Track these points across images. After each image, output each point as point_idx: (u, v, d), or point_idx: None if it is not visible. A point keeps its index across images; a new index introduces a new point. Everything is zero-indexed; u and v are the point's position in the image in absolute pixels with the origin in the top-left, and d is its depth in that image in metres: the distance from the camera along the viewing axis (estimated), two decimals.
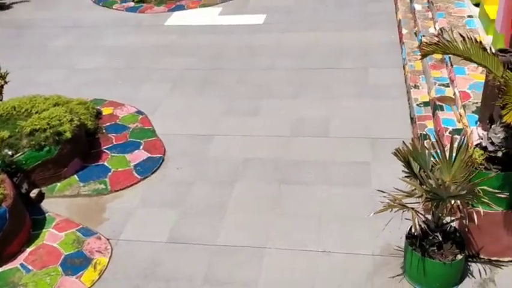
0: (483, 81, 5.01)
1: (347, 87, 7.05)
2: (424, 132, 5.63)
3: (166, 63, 8.18)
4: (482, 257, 4.28)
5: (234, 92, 7.21)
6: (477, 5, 7.41)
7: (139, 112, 6.89)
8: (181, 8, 10.29)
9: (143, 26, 9.67)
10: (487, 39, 6.49)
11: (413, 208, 3.77)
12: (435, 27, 7.48)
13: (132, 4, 10.61)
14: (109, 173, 5.75)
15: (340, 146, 5.90)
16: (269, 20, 9.37)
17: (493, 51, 4.05)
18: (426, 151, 3.88)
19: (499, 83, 3.65)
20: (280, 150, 5.93)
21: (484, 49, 3.79)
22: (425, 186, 3.73)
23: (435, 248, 3.97)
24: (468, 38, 3.82)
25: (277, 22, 9.26)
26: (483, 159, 3.98)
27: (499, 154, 3.92)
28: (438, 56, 6.48)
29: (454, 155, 3.79)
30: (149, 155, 6.02)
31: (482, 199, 3.74)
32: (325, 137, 6.09)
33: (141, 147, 6.17)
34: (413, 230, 3.80)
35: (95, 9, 10.61)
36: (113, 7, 10.64)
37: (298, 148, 5.95)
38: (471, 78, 5.87)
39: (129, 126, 6.59)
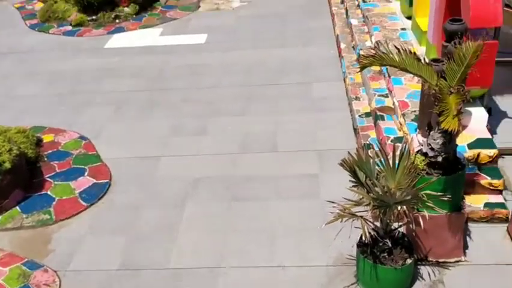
0: (419, 90, 5.24)
1: (292, 101, 7.17)
2: (368, 142, 5.79)
3: (109, 86, 8.03)
4: (430, 259, 4.43)
5: (180, 111, 7.16)
6: (409, 18, 7.76)
7: (82, 137, 6.70)
8: (120, 30, 10.16)
9: (82, 49, 9.46)
10: (421, 50, 6.78)
11: (362, 216, 3.86)
12: (371, 41, 7.76)
13: (69, 28, 10.37)
14: (53, 202, 5.55)
15: (288, 160, 5.98)
16: (211, 39, 9.40)
17: (427, 61, 4.25)
18: (371, 160, 3.99)
19: (434, 91, 3.83)
20: (230, 168, 5.93)
21: (419, 60, 3.97)
22: (372, 194, 3.83)
23: (385, 254, 4.07)
24: (403, 49, 3.99)
25: (219, 41, 9.31)
26: (424, 165, 4.14)
27: (439, 159, 4.09)
28: (377, 68, 6.71)
29: (397, 162, 3.92)
30: (94, 181, 5.86)
31: (427, 203, 3.88)
32: (273, 152, 6.15)
33: (86, 173, 5.99)
34: (363, 238, 3.88)
35: (31, 35, 10.28)
36: (50, 32, 10.36)
37: (247, 164, 5.97)
38: (408, 88, 6.11)
39: (72, 152, 6.40)
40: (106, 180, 5.85)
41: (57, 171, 6.06)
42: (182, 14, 10.75)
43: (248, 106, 7.15)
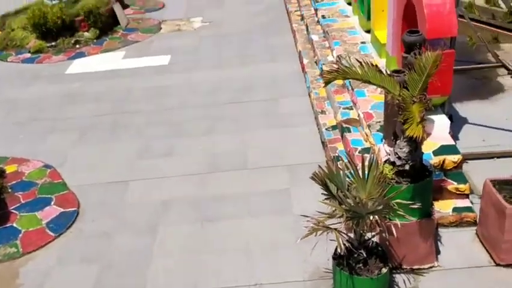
0: (383, 101, 5.35)
1: (259, 118, 7.20)
2: (336, 154, 5.86)
3: (72, 111, 7.89)
4: (404, 267, 4.48)
5: (146, 134, 7.09)
6: (368, 31, 7.95)
7: (47, 166, 6.54)
8: (81, 55, 10.03)
9: (42, 76, 9.28)
10: (381, 62, 6.94)
11: (336, 229, 3.88)
12: (333, 55, 7.90)
13: (28, 55, 10.17)
14: (20, 235, 5.37)
15: (258, 177, 5.97)
16: (174, 61, 9.39)
17: (388, 72, 4.36)
18: (341, 172, 4.03)
19: (397, 101, 3.92)
20: (200, 188, 5.88)
21: (380, 71, 4.07)
22: (344, 206, 3.86)
23: (361, 264, 4.09)
24: (365, 62, 4.08)
25: (183, 62, 9.31)
26: (393, 174, 4.21)
27: (407, 167, 4.17)
28: (340, 82, 6.82)
29: (367, 172, 3.97)
30: (62, 210, 5.70)
31: (398, 212, 3.93)
32: (243, 169, 6.14)
33: (52, 202, 5.83)
34: (338, 250, 3.89)
35: None
36: (8, 60, 10.13)
37: (217, 184, 5.94)
38: (371, 100, 6.24)
39: (37, 182, 6.23)
40: (73, 209, 5.71)
41: (23, 202, 5.88)
42: (144, 36, 10.71)
43: (215, 125, 7.14)
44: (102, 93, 8.38)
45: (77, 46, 10.35)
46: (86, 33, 10.57)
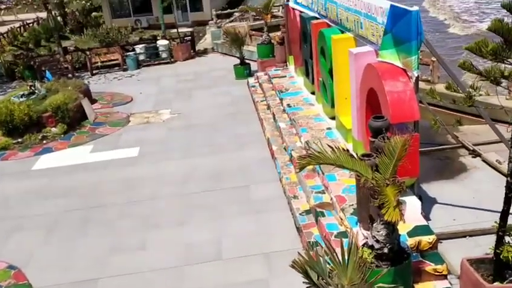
0: (354, 184, 5.45)
1: (232, 206, 7.16)
2: (313, 240, 5.83)
3: (39, 208, 7.67)
4: None
5: (117, 228, 6.91)
6: (333, 118, 8.26)
7: (11, 267, 6.23)
8: (48, 150, 9.95)
9: (7, 173, 9.10)
10: (348, 147, 7.17)
11: None
12: (301, 141, 8.12)
13: None
14: None
15: (235, 267, 5.83)
16: (144, 152, 9.42)
17: (359, 156, 4.49)
18: (321, 258, 3.99)
19: (371, 185, 4.00)
20: (174, 283, 5.67)
21: (352, 156, 4.19)
22: None
23: None
24: (336, 147, 4.21)
25: (153, 153, 9.34)
26: (372, 258, 4.20)
27: (385, 250, 4.18)
28: (310, 166, 6.96)
29: (347, 258, 3.94)
30: None
31: None
32: (218, 260, 5.99)
33: None
34: None
35: None
36: None
37: (192, 277, 5.74)
38: (343, 183, 6.35)
39: (0, 284, 5.88)
40: None
41: None
42: (113, 129, 10.79)
43: (188, 216, 7.05)
44: (70, 188, 8.23)
45: (44, 142, 10.30)
46: (53, 129, 10.57)
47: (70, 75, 15.18)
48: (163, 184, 8.08)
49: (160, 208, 7.34)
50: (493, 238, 4.68)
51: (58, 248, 6.60)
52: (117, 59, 16.31)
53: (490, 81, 4.21)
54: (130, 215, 7.23)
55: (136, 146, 9.71)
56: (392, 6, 5.84)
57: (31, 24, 23.61)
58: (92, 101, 12.33)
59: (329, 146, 4.35)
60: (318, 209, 6.20)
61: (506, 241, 4.46)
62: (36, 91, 11.62)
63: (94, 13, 25.09)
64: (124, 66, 16.02)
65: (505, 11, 4.14)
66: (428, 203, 6.14)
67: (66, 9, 24.41)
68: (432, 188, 6.58)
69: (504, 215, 4.51)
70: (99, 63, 16.34)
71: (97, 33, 18.81)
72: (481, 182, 6.80)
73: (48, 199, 7.93)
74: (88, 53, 16.31)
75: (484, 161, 7.32)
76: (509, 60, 4.07)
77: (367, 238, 4.35)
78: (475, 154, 7.53)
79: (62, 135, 10.51)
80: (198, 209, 7.19)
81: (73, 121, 10.91)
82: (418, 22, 5.39)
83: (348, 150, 4.25)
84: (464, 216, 5.95)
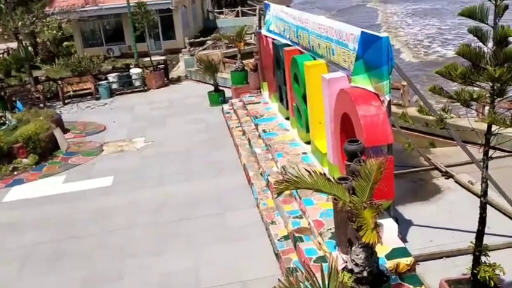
0: (331, 208, 5.47)
1: (209, 233, 7.08)
2: (292, 266, 5.79)
3: (10, 242, 7.44)
4: None
5: (92, 259, 6.74)
6: (308, 142, 8.34)
7: None
8: (20, 182, 9.72)
9: None
10: (324, 171, 7.22)
11: None
12: (277, 166, 8.14)
13: None
14: None
15: None
16: (118, 181, 9.29)
17: (336, 180, 4.52)
18: (302, 284, 3.96)
19: (349, 208, 4.03)
20: None
21: (329, 180, 4.22)
22: None
23: None
24: (314, 172, 4.23)
25: (127, 181, 9.22)
26: (352, 281, 4.19)
27: (365, 274, 4.19)
28: (287, 191, 6.96)
29: (327, 282, 3.93)
30: None
31: None
32: None
33: None
34: None
35: None
36: None
37: None
38: (320, 207, 6.37)
39: None
40: None
41: None
42: (86, 159, 10.63)
43: (164, 244, 6.94)
44: (43, 219, 8.03)
45: (15, 173, 10.06)
46: (24, 160, 10.35)
47: (41, 105, 14.97)
48: (138, 213, 7.96)
49: (136, 237, 7.21)
50: (469, 258, 4.75)
51: (31, 282, 6.38)
52: (89, 88, 16.19)
53: (461, 104, 4.34)
54: (105, 245, 7.07)
55: (109, 175, 9.57)
56: (362, 32, 6.00)
57: (1, 55, 23.31)
58: (65, 131, 12.16)
59: (306, 170, 4.37)
60: (297, 234, 6.19)
61: (483, 261, 4.53)
62: (6, 122, 11.41)
63: (65, 42, 24.94)
64: (97, 95, 15.91)
65: (469, 37, 4.30)
66: (404, 225, 6.20)
67: (37, 39, 24.19)
68: (407, 210, 6.66)
69: (479, 235, 4.60)
70: (71, 93, 16.19)
71: (69, 62, 18.70)
72: (455, 202, 6.92)
73: (21, 232, 7.71)
74: (59, 82, 16.16)
75: (457, 182, 7.47)
76: (477, 83, 4.20)
77: (346, 262, 4.36)
78: (447, 176, 7.69)
79: (34, 166, 10.29)
80: (175, 238, 7.09)
81: (44, 151, 10.71)
82: (388, 48, 5.54)
83: (325, 174, 4.28)
84: (440, 237, 6.02)
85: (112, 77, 16.40)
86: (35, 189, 9.30)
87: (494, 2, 4.11)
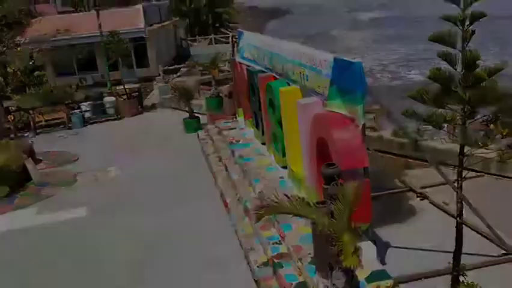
0: (310, 232, 5.46)
1: (186, 263, 6.94)
2: None
3: None
4: None
5: None
6: (285, 167, 8.36)
7: None
8: None
9: None
10: (301, 195, 7.23)
11: None
12: (255, 192, 8.12)
13: None
14: None
15: None
16: (92, 211, 9.07)
17: (314, 204, 4.53)
18: None
19: (329, 232, 4.03)
20: None
21: (309, 204, 4.23)
22: None
23: None
24: (293, 196, 4.24)
25: (101, 211, 9.01)
26: None
27: None
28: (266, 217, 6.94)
29: None
30: None
31: None
32: None
33: None
34: None
35: None
36: None
37: None
38: (299, 232, 6.35)
39: None
40: None
41: None
42: (59, 189, 10.40)
43: (140, 277, 6.78)
44: (15, 255, 7.77)
45: None
46: None
47: (12, 135, 14.67)
48: (113, 245, 7.77)
49: (111, 272, 7.01)
50: (448, 278, 4.80)
51: None
52: (62, 117, 15.98)
53: (433, 126, 4.44)
54: (78, 280, 6.86)
55: (83, 206, 9.36)
56: (335, 59, 6.12)
57: None
58: (37, 161, 11.90)
59: (285, 195, 4.37)
60: (276, 260, 6.14)
61: (461, 280, 4.57)
62: None
63: (37, 72, 24.65)
64: (70, 125, 15.69)
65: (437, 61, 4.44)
66: (382, 248, 6.23)
67: (7, 69, 23.86)
68: (384, 232, 6.71)
69: (456, 254, 4.65)
70: (43, 122, 15.94)
71: (40, 92, 18.45)
72: (431, 223, 7.01)
73: None
74: (31, 112, 15.91)
75: (431, 203, 7.58)
76: (448, 105, 4.31)
77: (327, 286, 4.33)
78: (422, 197, 7.80)
79: (5, 198, 10.02)
80: (150, 268, 6.94)
81: (15, 183, 10.44)
82: (361, 73, 5.66)
83: (304, 199, 4.29)
84: (418, 258, 6.07)
85: (85, 105, 16.22)
86: (7, 223, 9.01)
87: (461, 28, 4.26)
